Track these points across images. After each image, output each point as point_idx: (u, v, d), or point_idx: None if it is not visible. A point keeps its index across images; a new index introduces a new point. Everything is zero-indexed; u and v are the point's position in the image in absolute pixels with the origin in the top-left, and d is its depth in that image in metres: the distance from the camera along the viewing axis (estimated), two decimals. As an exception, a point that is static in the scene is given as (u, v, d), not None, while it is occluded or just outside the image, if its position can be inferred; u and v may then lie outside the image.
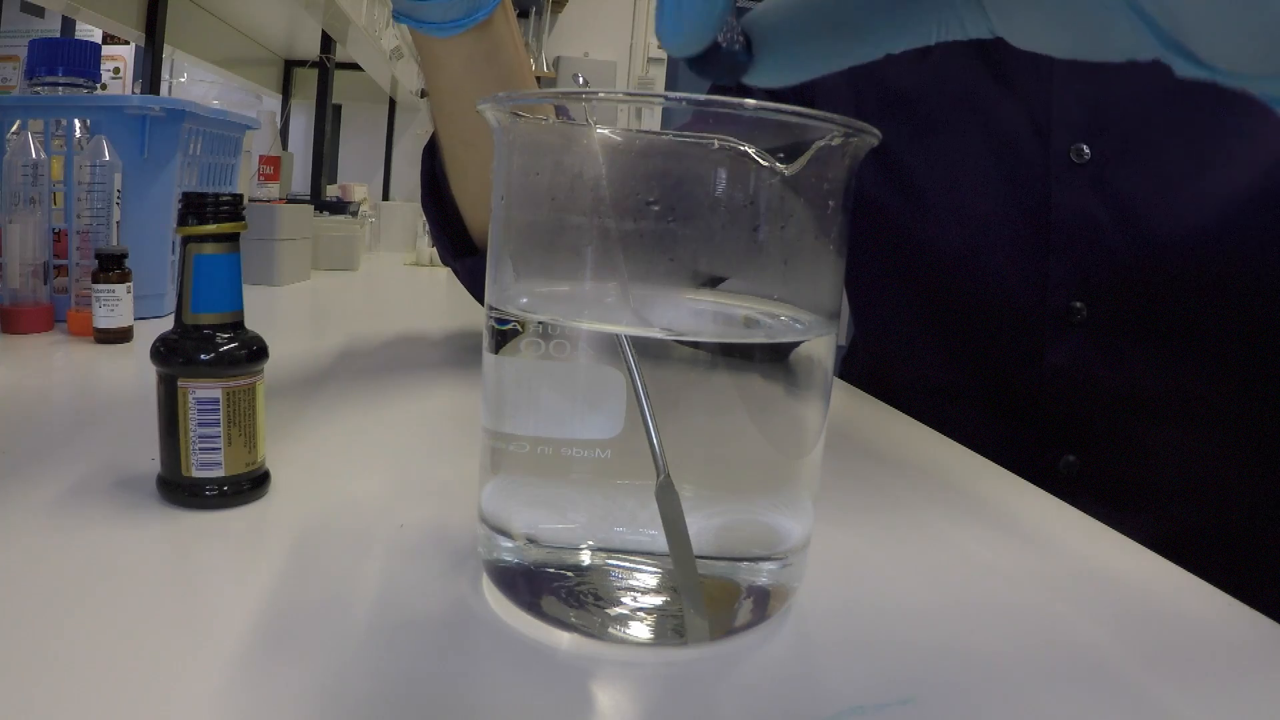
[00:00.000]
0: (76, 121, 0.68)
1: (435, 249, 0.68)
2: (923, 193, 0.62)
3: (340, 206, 1.61)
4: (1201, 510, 0.57)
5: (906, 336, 0.64)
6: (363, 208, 1.74)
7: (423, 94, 2.51)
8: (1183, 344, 0.56)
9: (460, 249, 0.63)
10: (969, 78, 0.61)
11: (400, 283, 1.28)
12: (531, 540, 0.26)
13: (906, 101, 0.63)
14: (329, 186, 2.04)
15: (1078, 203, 0.56)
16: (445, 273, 1.39)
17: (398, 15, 0.51)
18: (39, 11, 1.78)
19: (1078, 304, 0.57)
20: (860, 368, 0.70)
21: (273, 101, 2.04)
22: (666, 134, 0.24)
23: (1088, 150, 0.56)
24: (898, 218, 0.62)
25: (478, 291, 0.66)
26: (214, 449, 0.32)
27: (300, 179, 1.97)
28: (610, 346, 0.24)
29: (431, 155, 0.64)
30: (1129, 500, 0.56)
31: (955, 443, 0.50)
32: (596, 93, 0.23)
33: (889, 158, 0.63)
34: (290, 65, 2.07)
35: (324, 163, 1.92)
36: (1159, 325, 0.56)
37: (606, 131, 0.24)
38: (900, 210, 0.62)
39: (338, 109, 2.38)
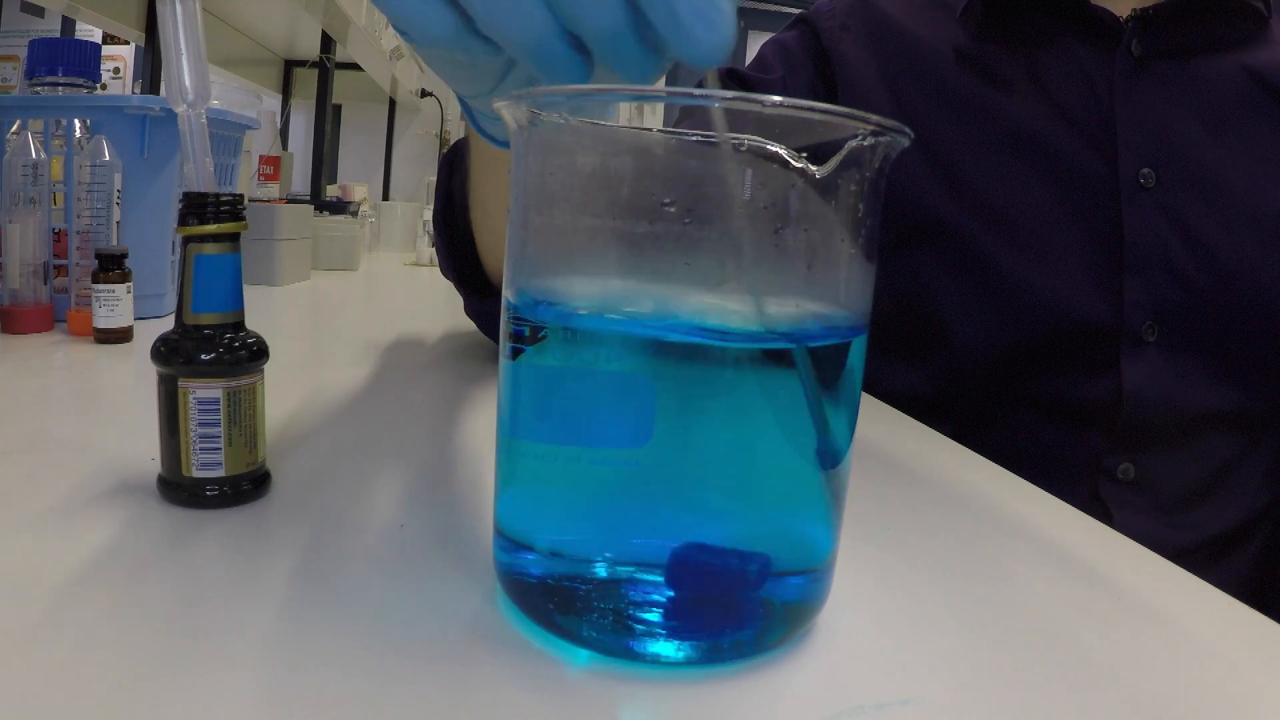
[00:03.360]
0: (76, 121, 0.68)
1: (439, 266, 0.65)
2: (990, 209, 0.62)
3: (340, 206, 1.61)
4: (1245, 519, 0.61)
5: (975, 347, 0.64)
6: (363, 208, 1.75)
7: (423, 94, 2.51)
8: (1244, 364, 0.59)
9: (471, 282, 0.61)
10: (1017, 104, 0.63)
11: (400, 283, 1.28)
12: (552, 553, 0.25)
13: (966, 119, 0.64)
14: (329, 186, 2.04)
15: (1148, 226, 0.59)
16: (445, 273, 1.39)
17: (481, 132, 0.51)
18: (39, 11, 1.78)
19: (1150, 324, 0.59)
20: (937, 379, 0.68)
21: (273, 101, 2.04)
22: (695, 134, 0.23)
23: (1153, 175, 0.59)
24: (970, 238, 0.62)
25: (492, 332, 0.63)
26: (214, 449, 0.32)
27: (300, 179, 1.98)
28: (637, 351, 0.23)
29: (450, 170, 0.60)
30: (1178, 507, 0.59)
31: (971, 451, 0.50)
32: (617, 90, 0.23)
33: (955, 176, 0.63)
34: (290, 65, 2.07)
35: (324, 163, 1.92)
36: (1224, 346, 0.59)
37: (633, 130, 0.23)
38: (973, 230, 0.62)
39: (338, 109, 2.38)
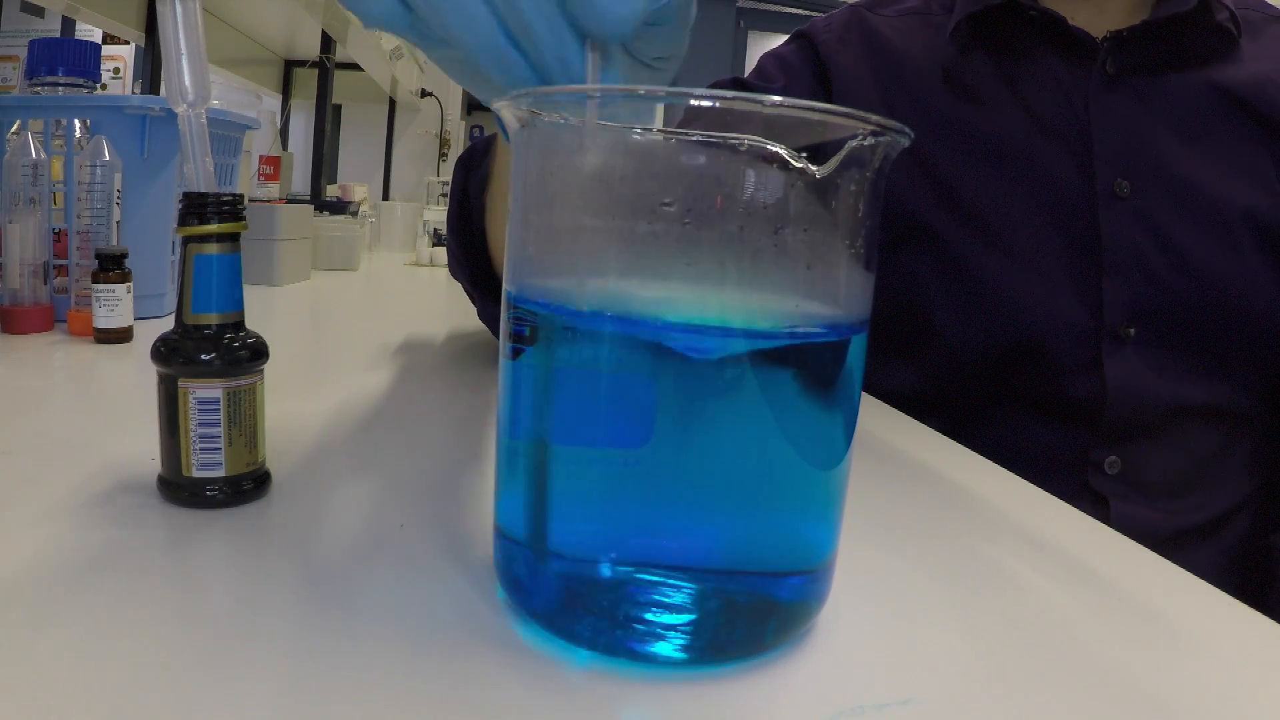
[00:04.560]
0: (76, 121, 0.68)
1: (449, 268, 0.64)
2: (977, 217, 0.66)
3: (340, 206, 1.62)
4: (1230, 508, 0.65)
5: (964, 347, 0.66)
6: (363, 208, 1.75)
7: (423, 94, 2.51)
8: (1217, 360, 0.63)
9: (483, 285, 0.61)
10: (1000, 118, 0.66)
11: (400, 283, 1.28)
12: (553, 553, 0.25)
13: (954, 133, 0.68)
14: (329, 186, 2.04)
15: (1124, 232, 0.63)
16: (445, 273, 1.39)
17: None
18: (39, 11, 1.78)
19: (1127, 323, 0.62)
20: (930, 378, 0.70)
21: (273, 101, 2.04)
22: (695, 134, 0.23)
23: (1127, 184, 0.63)
24: (958, 244, 0.66)
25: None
26: (214, 449, 0.32)
27: (300, 179, 1.98)
28: (637, 352, 0.23)
29: (467, 171, 0.60)
30: (1165, 496, 0.63)
31: (973, 453, 0.50)
32: (616, 90, 0.22)
33: (944, 185, 0.67)
34: (290, 65, 2.07)
35: (324, 163, 1.92)
36: (1197, 342, 0.63)
37: (630, 130, 0.23)
38: (960, 237, 0.66)
39: (338, 109, 2.38)
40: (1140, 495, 0.63)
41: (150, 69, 1.28)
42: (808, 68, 0.74)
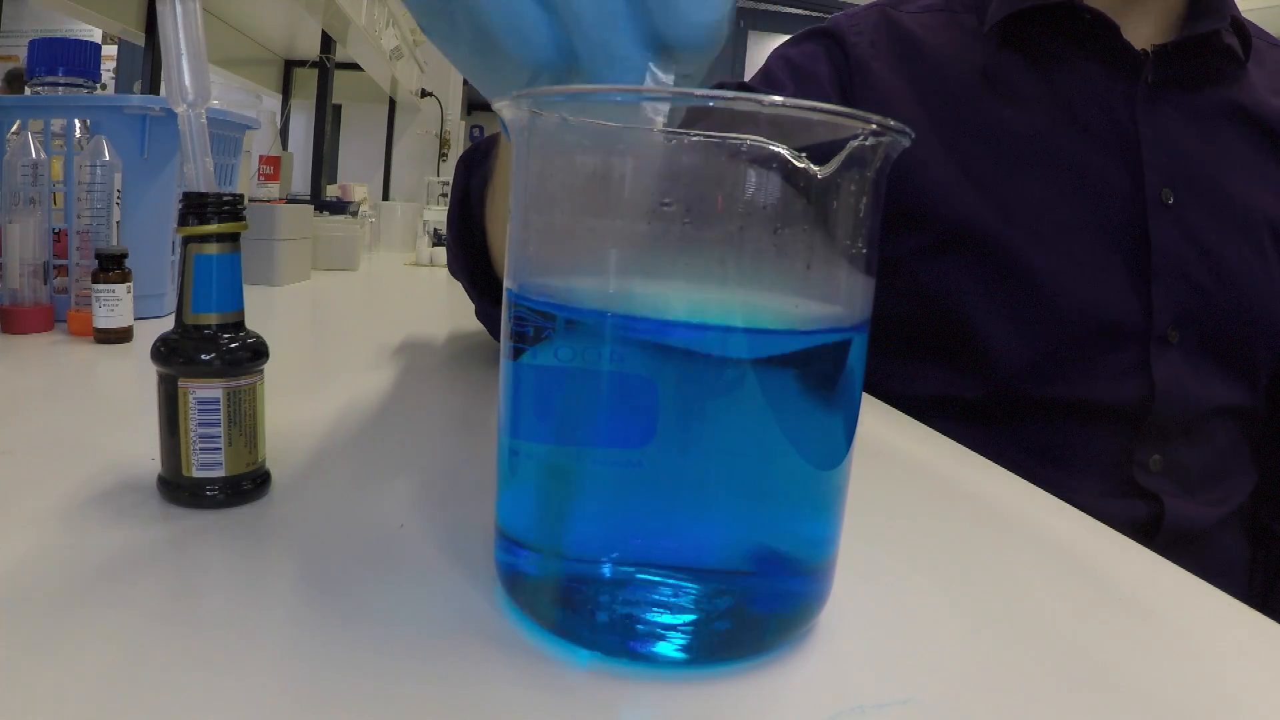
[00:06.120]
0: (76, 121, 0.68)
1: (449, 266, 0.63)
2: (1024, 220, 0.66)
3: (340, 206, 1.61)
4: (1245, 490, 0.69)
5: (1010, 350, 0.67)
6: (363, 208, 1.75)
7: (423, 94, 2.51)
8: (1243, 362, 0.66)
9: (482, 285, 0.60)
10: (1041, 120, 0.67)
11: (400, 283, 1.28)
12: (553, 553, 0.25)
13: (993, 134, 0.69)
14: (329, 186, 2.04)
15: (1170, 240, 0.65)
16: (445, 273, 1.39)
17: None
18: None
19: (1172, 327, 0.65)
20: (972, 383, 0.69)
21: (273, 101, 2.04)
22: (697, 134, 0.23)
23: (1171, 193, 0.65)
24: (1007, 246, 0.66)
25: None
26: (215, 449, 0.32)
27: (300, 179, 1.97)
28: (639, 352, 0.23)
29: (469, 170, 0.60)
30: (1199, 486, 0.66)
31: (973, 453, 0.50)
32: (617, 90, 0.23)
33: (987, 188, 0.67)
34: (290, 65, 2.07)
35: (324, 163, 1.92)
36: (1227, 345, 0.66)
37: (633, 130, 0.23)
38: (1009, 238, 0.66)
39: (338, 109, 2.38)
40: (1181, 490, 0.65)
41: (150, 69, 1.28)
42: (828, 70, 0.72)
